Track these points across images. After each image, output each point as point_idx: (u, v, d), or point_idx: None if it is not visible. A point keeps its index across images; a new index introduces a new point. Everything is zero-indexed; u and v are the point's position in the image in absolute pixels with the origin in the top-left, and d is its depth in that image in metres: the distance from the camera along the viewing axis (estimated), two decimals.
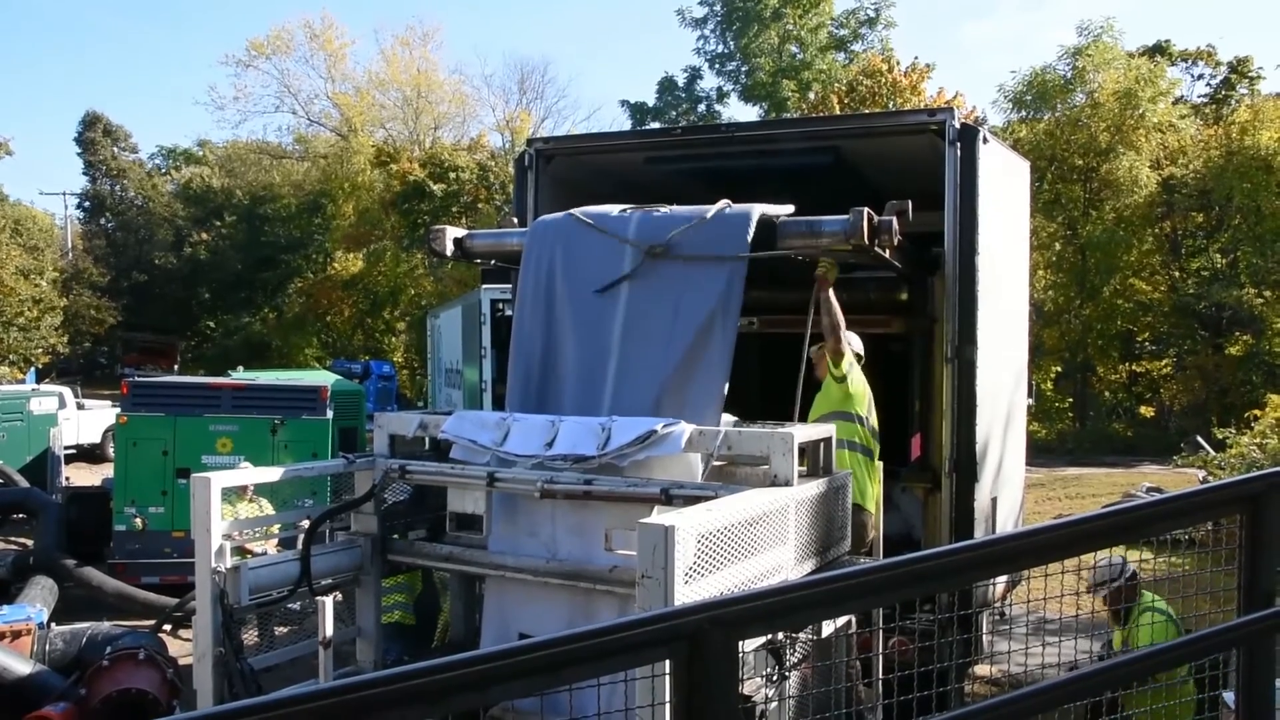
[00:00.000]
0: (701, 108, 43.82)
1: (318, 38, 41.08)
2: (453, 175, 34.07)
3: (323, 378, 15.86)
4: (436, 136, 41.05)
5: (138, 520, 10.76)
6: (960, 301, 5.93)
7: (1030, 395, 8.79)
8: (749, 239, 4.81)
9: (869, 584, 2.29)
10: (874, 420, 5.60)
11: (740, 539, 3.68)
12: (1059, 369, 28.49)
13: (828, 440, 4.63)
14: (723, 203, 5.02)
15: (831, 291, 5.38)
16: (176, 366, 39.50)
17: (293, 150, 44.04)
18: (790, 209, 5.14)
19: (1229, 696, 3.10)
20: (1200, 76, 32.85)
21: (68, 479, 15.63)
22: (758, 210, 4.91)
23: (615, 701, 2.40)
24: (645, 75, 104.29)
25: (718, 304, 4.77)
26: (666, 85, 44.37)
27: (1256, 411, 16.24)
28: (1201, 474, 14.90)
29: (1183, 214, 27.43)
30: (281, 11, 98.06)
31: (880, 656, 4.92)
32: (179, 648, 8.14)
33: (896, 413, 6.75)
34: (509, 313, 9.60)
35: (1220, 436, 15.57)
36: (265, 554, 6.46)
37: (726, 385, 4.76)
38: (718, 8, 42.85)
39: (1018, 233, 7.61)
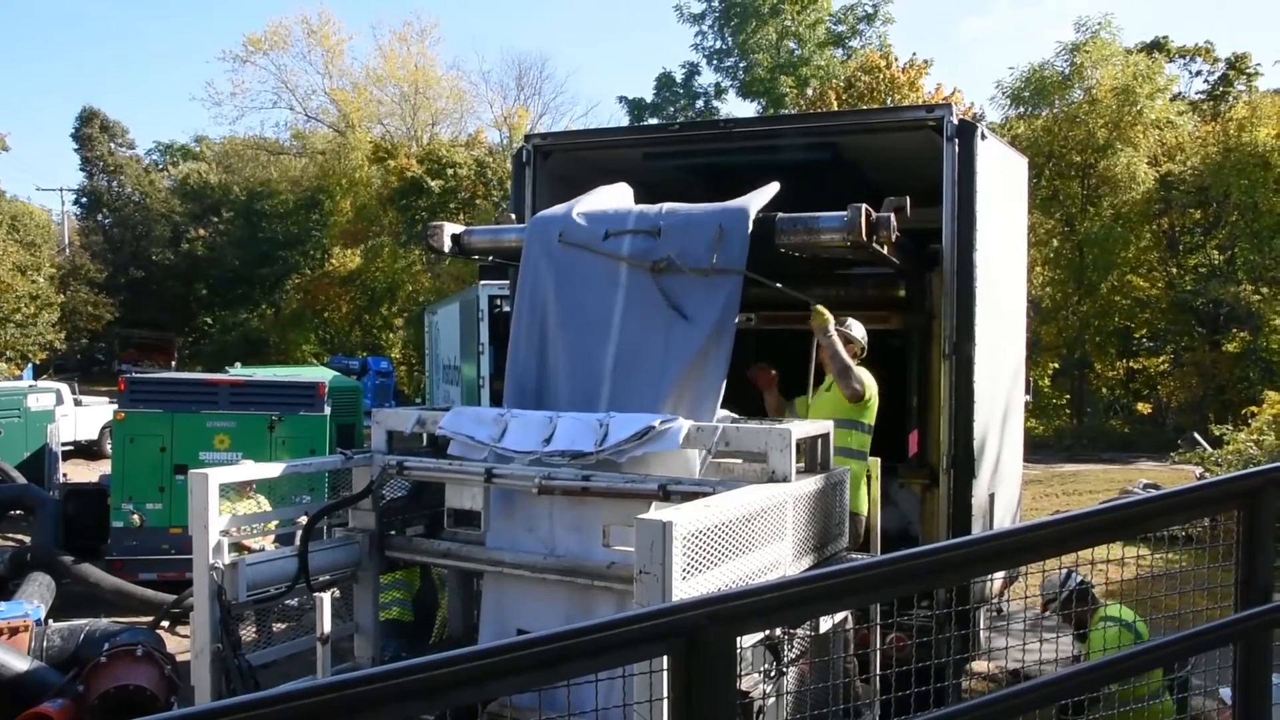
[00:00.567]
0: (699, 104, 43.81)
1: (315, 33, 41.06)
2: (450, 171, 34.04)
3: (320, 374, 15.83)
4: (434, 132, 41.02)
5: (135, 517, 10.75)
6: (958, 297, 5.93)
7: (1028, 392, 8.80)
8: (745, 251, 4.80)
9: (866, 580, 2.30)
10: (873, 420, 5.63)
11: (738, 535, 3.68)
12: (1056, 365, 28.51)
13: (825, 436, 4.63)
14: (718, 210, 5.00)
15: (834, 334, 5.39)
16: (174, 363, 39.44)
17: (290, 146, 44.00)
18: (774, 188, 5.12)
19: (1225, 692, 3.10)
20: (1198, 73, 32.92)
21: (65, 475, 15.61)
22: (753, 210, 4.89)
23: (613, 697, 2.40)
24: (643, 71, 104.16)
25: (714, 323, 4.76)
26: (664, 81, 44.35)
27: (1254, 408, 16.27)
28: (1199, 470, 14.92)
29: (1180, 210, 27.44)
30: (279, 7, 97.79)
31: (878, 652, 4.92)
32: (177, 644, 8.14)
33: (894, 409, 6.75)
34: (507, 309, 9.60)
35: (1217, 433, 15.61)
36: (263, 550, 6.46)
37: (724, 384, 4.77)
38: (716, 4, 42.82)
39: (1016, 229, 7.61)
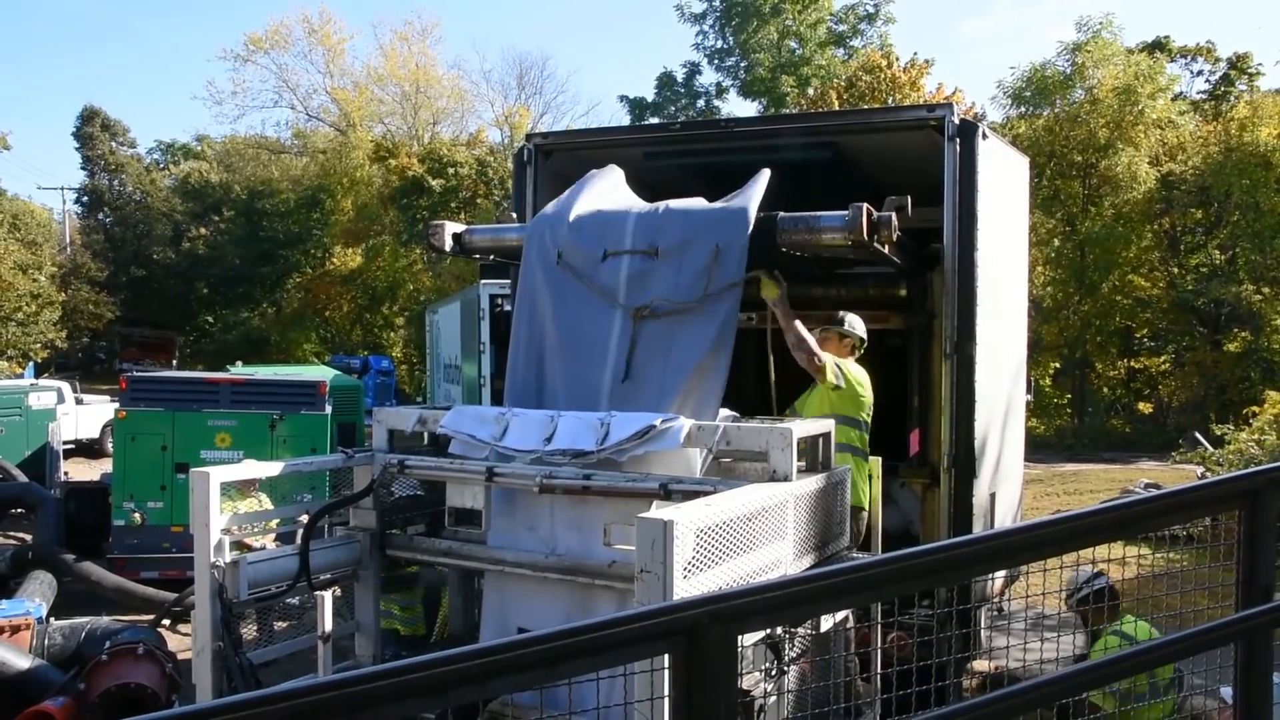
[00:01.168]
0: (700, 103, 43.82)
1: (316, 33, 41.08)
2: (451, 170, 34.05)
3: (321, 373, 15.82)
4: (435, 132, 41.04)
5: (136, 515, 10.76)
6: (959, 297, 5.92)
7: (1029, 391, 8.79)
8: (743, 265, 4.80)
9: (867, 579, 2.30)
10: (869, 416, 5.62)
11: (739, 534, 3.68)
12: (1057, 365, 28.50)
13: (826, 435, 4.63)
14: (717, 218, 4.97)
15: (783, 307, 5.30)
16: (175, 361, 39.48)
17: (291, 145, 44.00)
18: (765, 175, 5.10)
19: (1226, 692, 3.10)
20: (1199, 73, 32.88)
21: (66, 474, 15.60)
22: (751, 215, 4.87)
23: (614, 696, 2.40)
24: (644, 70, 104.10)
25: (712, 338, 4.76)
26: (665, 81, 44.36)
27: (1255, 408, 16.25)
28: (1200, 470, 14.90)
29: (1181, 210, 27.42)
30: (280, 6, 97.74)
31: (879, 652, 4.92)
32: (178, 642, 8.14)
33: (895, 408, 6.75)
34: (508, 308, 9.59)
35: (1218, 433, 15.58)
36: (264, 549, 6.46)
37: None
38: (717, 3, 42.84)
39: (1017, 229, 7.61)
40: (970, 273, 5.91)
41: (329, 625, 4.61)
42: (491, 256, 6.43)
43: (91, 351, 45.14)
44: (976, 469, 6.02)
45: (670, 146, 7.25)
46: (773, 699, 3.81)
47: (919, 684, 2.79)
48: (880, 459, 5.45)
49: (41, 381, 21.55)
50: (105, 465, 15.27)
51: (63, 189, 49.34)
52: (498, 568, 4.76)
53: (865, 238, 4.73)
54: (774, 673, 3.81)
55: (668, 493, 4.18)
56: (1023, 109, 28.46)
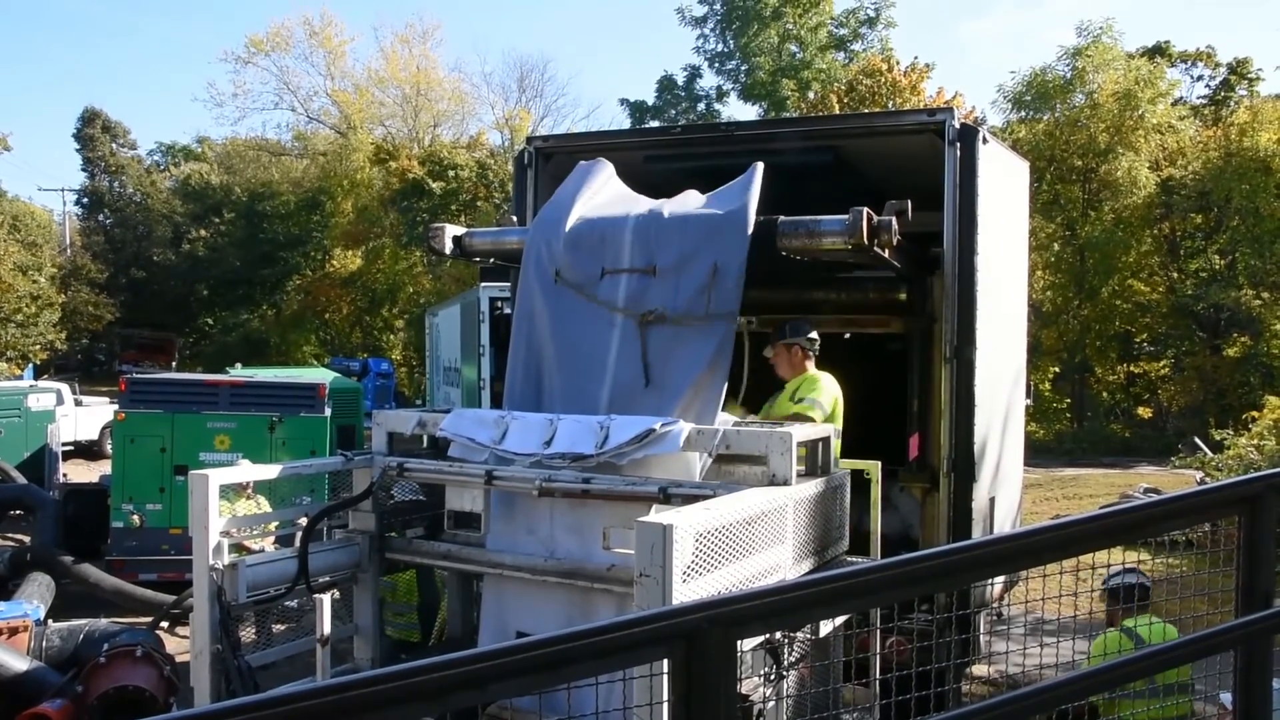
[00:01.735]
0: (701, 107, 43.83)
1: (317, 35, 41.08)
2: (452, 173, 34.06)
3: (321, 375, 15.84)
4: (436, 134, 41.06)
5: (135, 517, 10.76)
6: (959, 301, 5.93)
7: (1028, 396, 8.79)
8: (740, 290, 4.78)
9: (867, 584, 2.29)
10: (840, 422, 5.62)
11: (738, 538, 3.68)
12: (1057, 369, 28.51)
13: (826, 440, 4.62)
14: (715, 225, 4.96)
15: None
16: (174, 363, 39.46)
17: (292, 147, 44.00)
18: (759, 168, 5.09)
19: (1226, 697, 3.10)
20: (1199, 78, 32.93)
21: (65, 475, 15.61)
22: (750, 219, 4.85)
23: (613, 700, 2.40)
24: (645, 74, 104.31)
25: (709, 356, 4.74)
26: (666, 84, 44.37)
27: (1254, 413, 16.24)
28: (1199, 475, 14.90)
29: (1181, 215, 27.45)
30: (281, 8, 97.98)
31: (878, 656, 4.92)
32: (176, 645, 8.14)
33: (895, 412, 6.75)
34: (507, 311, 9.60)
35: (1218, 438, 15.57)
36: (263, 551, 6.46)
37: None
38: (717, 7, 42.85)
39: (1017, 233, 7.61)
40: (970, 277, 5.91)
41: (328, 628, 4.61)
42: (492, 259, 6.43)
43: (91, 353, 45.14)
44: (976, 473, 6.02)
45: (671, 150, 7.24)
46: (771, 704, 3.80)
47: (918, 689, 2.78)
48: (879, 463, 5.45)
49: (41, 383, 21.55)
50: (104, 467, 15.26)
51: (63, 190, 49.49)
52: (497, 571, 4.76)
53: (865, 242, 4.73)
54: (773, 677, 3.80)
55: (667, 496, 4.18)
56: (1023, 113, 28.52)
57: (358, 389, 15.99)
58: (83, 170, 48.15)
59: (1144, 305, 27.79)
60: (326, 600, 4.65)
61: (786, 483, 4.12)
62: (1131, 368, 29.36)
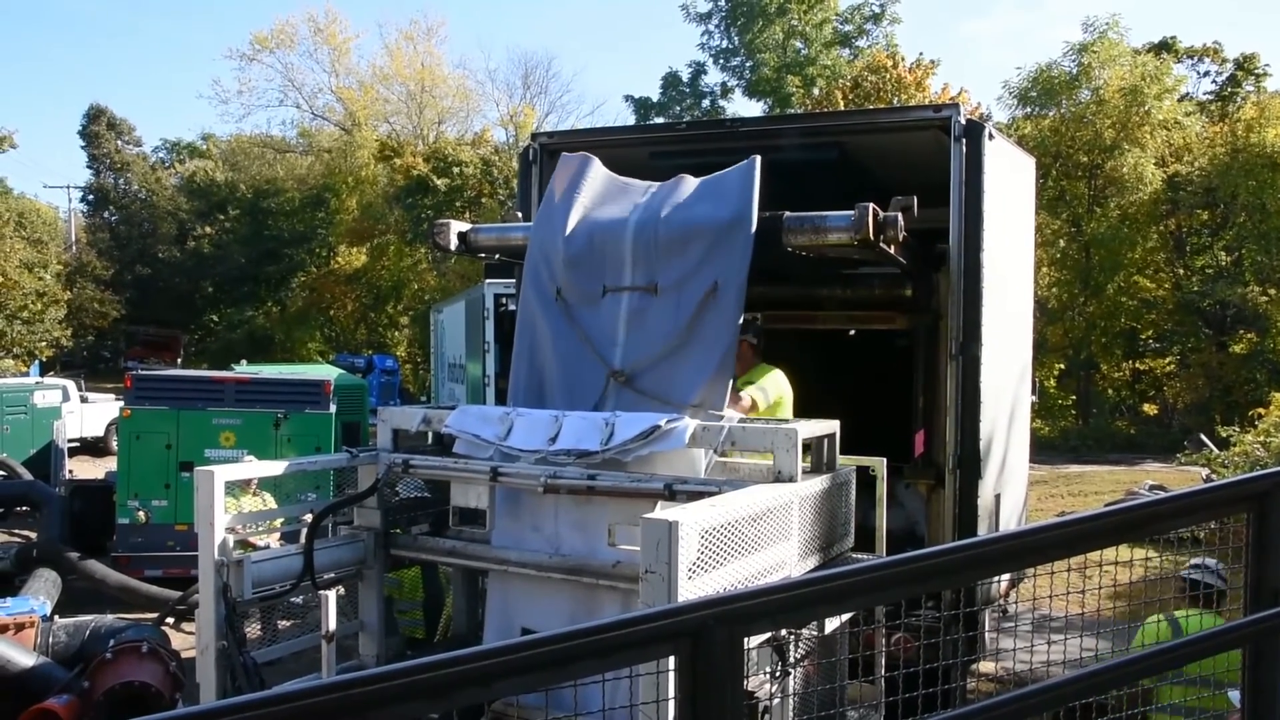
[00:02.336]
0: (706, 103, 43.76)
1: (321, 32, 41.15)
2: (456, 170, 34.09)
3: (326, 372, 15.88)
4: (440, 131, 41.09)
5: (141, 513, 10.80)
6: (965, 298, 5.91)
7: (1034, 392, 8.77)
8: (740, 308, 4.76)
9: (873, 581, 2.28)
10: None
11: (744, 535, 3.67)
12: (1062, 366, 28.45)
13: (831, 436, 4.62)
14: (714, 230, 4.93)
15: None
16: (180, 360, 39.54)
17: (296, 144, 44.07)
18: (755, 162, 5.06)
19: (1234, 695, 3.09)
20: (1206, 73, 32.82)
21: (71, 472, 15.68)
22: (752, 222, 4.83)
23: (619, 697, 2.39)
24: (649, 70, 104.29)
25: (711, 371, 4.72)
26: (671, 80, 44.32)
27: (1260, 410, 16.19)
28: (1205, 472, 14.87)
29: (1187, 211, 27.37)
30: (285, 5, 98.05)
31: (883, 653, 4.91)
32: (182, 641, 8.16)
33: (900, 408, 6.74)
34: (512, 308, 9.58)
35: (1224, 435, 15.53)
36: (268, 547, 6.47)
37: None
38: (722, 3, 42.79)
39: (1023, 229, 7.59)
40: (976, 273, 5.90)
41: (333, 625, 4.61)
42: (497, 256, 6.42)
43: (96, 350, 45.23)
44: (982, 470, 6.01)
45: (675, 146, 7.24)
46: (777, 701, 3.80)
47: (924, 686, 2.78)
48: (885, 460, 5.44)
49: (46, 380, 21.62)
50: (110, 463, 15.32)
51: (68, 187, 49.63)
52: (502, 568, 4.76)
53: (871, 238, 4.72)
54: (779, 674, 3.80)
55: (672, 493, 4.18)
56: (1028, 109, 28.44)
57: (363, 385, 16.03)
58: (88, 167, 48.33)
59: (1150, 302, 27.72)
60: (332, 597, 4.65)
61: (792, 479, 4.12)
62: (1137, 364, 29.29)
